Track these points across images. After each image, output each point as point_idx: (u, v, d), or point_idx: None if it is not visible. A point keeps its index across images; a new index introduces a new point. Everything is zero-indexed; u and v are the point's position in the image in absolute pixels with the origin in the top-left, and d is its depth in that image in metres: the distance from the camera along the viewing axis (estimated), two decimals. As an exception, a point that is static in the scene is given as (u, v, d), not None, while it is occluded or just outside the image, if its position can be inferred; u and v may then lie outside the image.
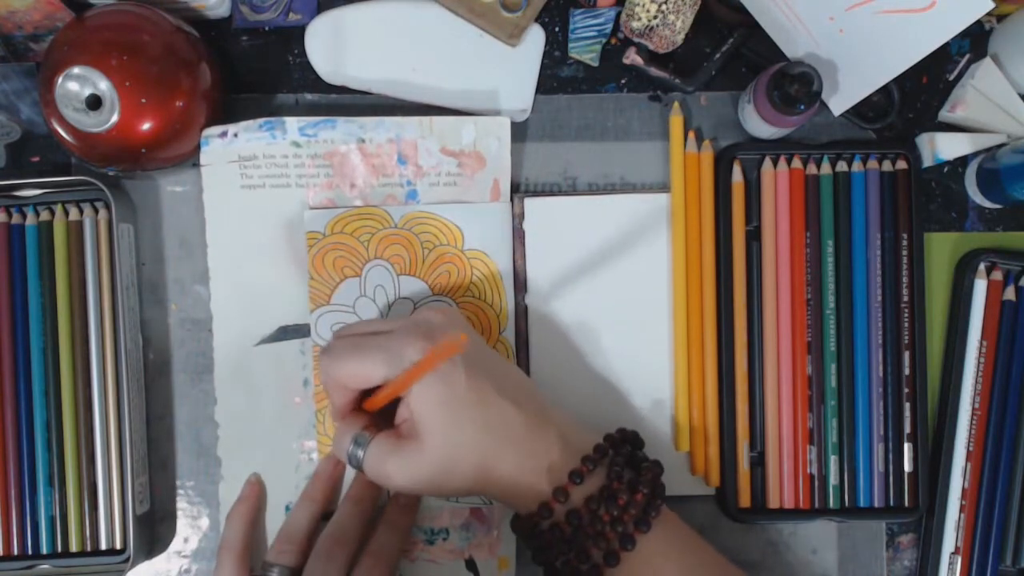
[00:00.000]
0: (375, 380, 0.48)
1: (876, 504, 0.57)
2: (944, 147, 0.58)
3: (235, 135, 0.56)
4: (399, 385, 0.47)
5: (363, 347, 0.48)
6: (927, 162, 0.59)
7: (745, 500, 0.57)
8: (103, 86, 0.51)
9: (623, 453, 0.50)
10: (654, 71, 0.58)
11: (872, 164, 0.58)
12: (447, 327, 0.49)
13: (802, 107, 0.53)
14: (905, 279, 0.57)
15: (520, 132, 0.59)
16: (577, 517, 0.48)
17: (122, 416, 0.56)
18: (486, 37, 0.57)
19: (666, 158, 0.59)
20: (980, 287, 0.58)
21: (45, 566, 0.56)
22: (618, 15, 0.58)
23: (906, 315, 0.57)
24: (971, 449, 0.58)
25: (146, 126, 0.52)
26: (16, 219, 0.57)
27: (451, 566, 0.57)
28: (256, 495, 0.56)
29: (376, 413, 0.51)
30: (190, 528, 0.59)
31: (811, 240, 0.58)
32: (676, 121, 0.58)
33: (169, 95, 0.52)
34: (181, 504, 0.59)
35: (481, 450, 0.48)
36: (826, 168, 0.58)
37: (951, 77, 0.60)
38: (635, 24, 0.56)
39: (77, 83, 0.51)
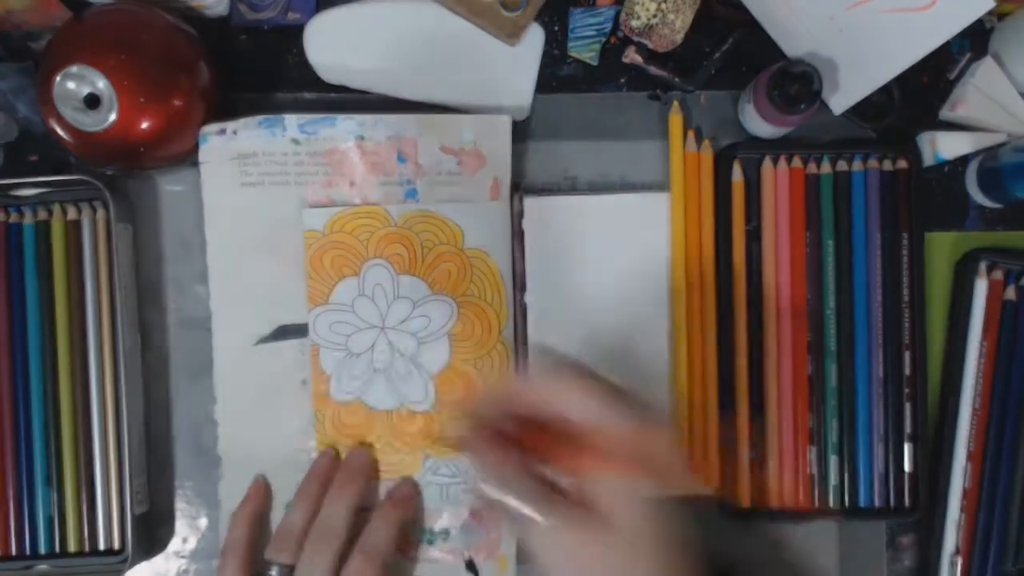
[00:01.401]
0: (604, 424, 0.40)
1: (876, 504, 0.57)
2: (945, 146, 0.58)
3: (234, 132, 0.56)
4: (623, 460, 0.39)
5: (622, 394, 0.41)
6: (928, 161, 0.59)
7: (745, 500, 0.57)
8: (101, 85, 0.50)
9: None
10: (654, 70, 0.58)
11: (872, 163, 0.58)
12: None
13: (802, 106, 0.53)
14: (905, 279, 0.57)
15: (520, 131, 0.59)
16: None
17: (120, 416, 0.56)
18: (486, 36, 0.57)
19: (666, 157, 0.59)
20: (980, 287, 0.58)
21: (43, 566, 0.56)
22: (618, 14, 0.58)
23: (906, 315, 0.57)
24: (971, 449, 0.58)
25: (144, 125, 0.52)
26: (14, 218, 0.57)
27: (451, 566, 0.56)
28: (262, 496, 0.56)
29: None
30: (189, 528, 0.59)
31: (811, 240, 0.57)
32: (676, 120, 0.58)
33: (168, 94, 0.52)
34: (180, 504, 0.59)
35: None
36: (826, 167, 0.58)
37: (952, 76, 0.60)
38: (635, 23, 0.56)
39: (75, 82, 0.51)
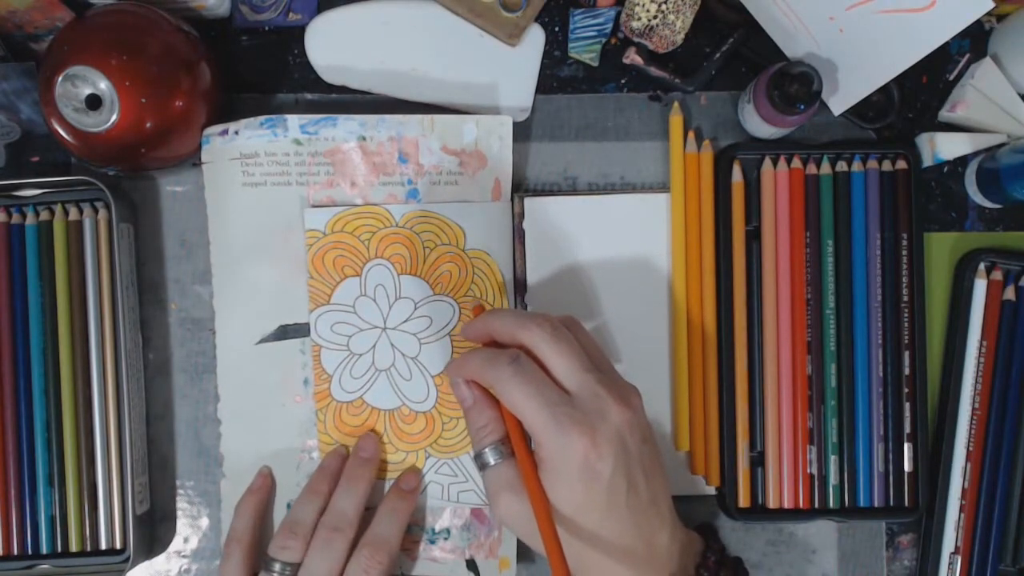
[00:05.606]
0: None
1: (876, 504, 0.57)
2: (944, 147, 0.58)
3: (236, 132, 0.56)
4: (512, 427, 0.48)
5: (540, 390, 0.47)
6: (927, 162, 0.59)
7: (745, 500, 0.57)
8: (103, 86, 0.51)
9: None
10: (654, 71, 0.58)
11: (872, 164, 0.58)
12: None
13: (802, 107, 0.53)
14: (905, 279, 0.57)
15: (520, 132, 0.59)
16: None
17: (122, 416, 0.56)
18: (486, 37, 0.57)
19: (666, 158, 0.59)
20: (980, 287, 0.58)
21: (45, 566, 0.56)
22: (618, 15, 0.58)
23: (906, 315, 0.57)
24: (971, 449, 0.58)
25: (146, 126, 0.52)
26: (16, 219, 0.57)
27: (452, 566, 0.57)
28: (267, 487, 0.56)
29: None
30: (190, 528, 0.59)
31: (811, 240, 0.58)
32: (676, 121, 0.58)
33: (169, 95, 0.52)
34: (181, 504, 0.59)
35: (593, 551, 0.47)
36: (826, 168, 0.58)
37: (951, 77, 0.60)
38: (635, 24, 0.56)
39: (77, 83, 0.51)
